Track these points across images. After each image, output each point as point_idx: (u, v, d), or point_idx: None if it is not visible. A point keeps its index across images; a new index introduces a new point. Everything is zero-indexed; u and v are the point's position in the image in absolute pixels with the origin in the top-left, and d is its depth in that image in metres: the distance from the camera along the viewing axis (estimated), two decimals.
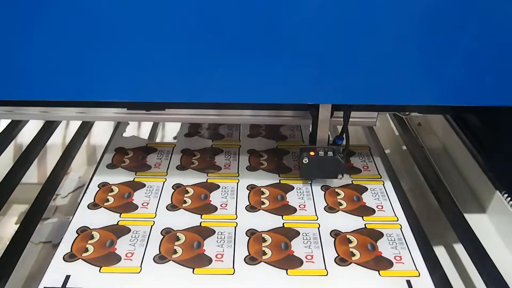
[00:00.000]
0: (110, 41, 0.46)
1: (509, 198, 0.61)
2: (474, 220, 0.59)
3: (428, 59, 0.46)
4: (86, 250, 0.50)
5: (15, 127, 0.77)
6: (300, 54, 0.46)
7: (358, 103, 0.59)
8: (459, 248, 0.58)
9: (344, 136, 0.62)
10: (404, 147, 0.81)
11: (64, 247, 0.51)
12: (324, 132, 0.61)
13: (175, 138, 1.00)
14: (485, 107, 0.64)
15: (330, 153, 0.59)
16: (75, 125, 0.95)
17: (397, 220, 0.55)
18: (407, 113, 0.82)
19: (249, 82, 0.48)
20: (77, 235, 0.52)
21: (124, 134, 0.73)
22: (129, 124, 0.76)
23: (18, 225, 0.81)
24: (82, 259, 0.49)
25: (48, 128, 0.77)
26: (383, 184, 0.61)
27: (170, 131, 0.99)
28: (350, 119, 0.61)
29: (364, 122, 0.72)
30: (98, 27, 0.45)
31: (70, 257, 0.49)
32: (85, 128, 0.80)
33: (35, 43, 0.46)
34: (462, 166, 0.73)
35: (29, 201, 0.87)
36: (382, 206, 0.57)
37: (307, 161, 0.59)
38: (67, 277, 0.47)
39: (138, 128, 0.91)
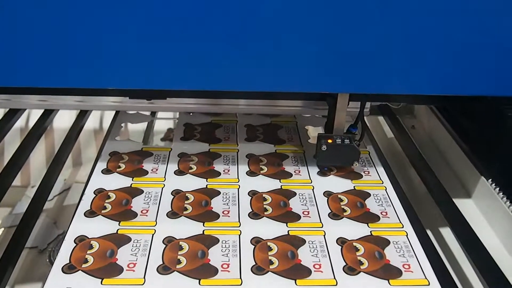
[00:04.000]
0: (112, 26, 0.45)
1: (493, 184, 0.63)
2: (461, 205, 0.61)
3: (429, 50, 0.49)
4: (86, 260, 0.48)
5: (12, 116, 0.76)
6: (323, 45, 0.48)
7: (376, 93, 0.60)
8: (445, 231, 0.62)
9: (359, 125, 0.65)
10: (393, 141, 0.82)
11: (63, 257, 0.48)
12: (341, 121, 0.62)
13: (162, 140, 0.99)
14: (471, 97, 0.66)
15: (347, 141, 0.61)
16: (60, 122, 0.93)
17: (402, 227, 0.54)
18: (399, 104, 0.84)
19: (267, 70, 0.50)
20: (75, 244, 0.50)
21: (117, 138, 0.71)
22: (122, 127, 0.73)
23: (2, 230, 0.79)
24: (82, 270, 0.47)
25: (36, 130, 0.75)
26: (386, 190, 0.61)
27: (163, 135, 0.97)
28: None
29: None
30: (100, 11, 0.44)
31: (69, 268, 0.47)
32: (76, 129, 0.77)
33: (34, 27, 0.45)
34: (448, 154, 0.76)
35: (9, 204, 0.84)
36: (386, 212, 0.57)
37: (326, 148, 0.60)
38: None
39: (125, 127, 0.89)
